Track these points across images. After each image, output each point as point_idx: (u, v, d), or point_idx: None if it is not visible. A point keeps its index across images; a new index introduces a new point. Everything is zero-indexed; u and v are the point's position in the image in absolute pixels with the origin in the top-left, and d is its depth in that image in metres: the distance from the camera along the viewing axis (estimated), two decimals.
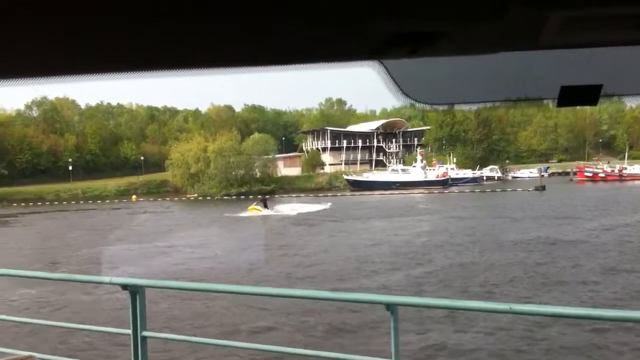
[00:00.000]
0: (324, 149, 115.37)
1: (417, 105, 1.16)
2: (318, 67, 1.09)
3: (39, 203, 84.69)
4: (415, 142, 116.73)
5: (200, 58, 1.07)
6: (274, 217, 53.38)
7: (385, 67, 1.05)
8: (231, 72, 1.11)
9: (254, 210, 55.69)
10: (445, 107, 1.27)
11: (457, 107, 1.27)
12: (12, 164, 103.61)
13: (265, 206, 56.89)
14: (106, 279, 6.62)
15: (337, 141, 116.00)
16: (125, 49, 1.01)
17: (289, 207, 59.55)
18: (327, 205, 61.37)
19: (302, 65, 1.07)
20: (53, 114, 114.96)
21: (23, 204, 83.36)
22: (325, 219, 49.90)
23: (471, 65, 1.10)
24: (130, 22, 0.89)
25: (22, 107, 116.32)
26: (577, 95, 1.04)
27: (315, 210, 58.19)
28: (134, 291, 5.92)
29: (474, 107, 1.27)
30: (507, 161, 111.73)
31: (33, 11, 0.84)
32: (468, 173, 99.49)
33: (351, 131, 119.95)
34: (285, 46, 1.01)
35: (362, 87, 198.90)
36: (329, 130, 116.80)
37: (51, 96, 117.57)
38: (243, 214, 55.39)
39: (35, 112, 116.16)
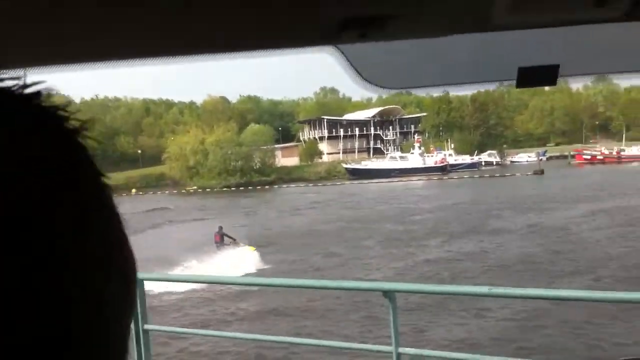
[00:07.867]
0: (322, 138, 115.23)
1: (375, 88, 1.14)
2: (273, 54, 1.06)
3: None
4: (412, 129, 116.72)
5: (166, 45, 1.02)
6: None
7: (341, 51, 1.03)
8: (188, 61, 1.06)
9: None
10: (404, 91, 1.27)
11: (416, 90, 1.28)
12: None
13: None
14: None
15: (334, 130, 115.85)
16: (123, 36, 0.95)
17: None
18: None
19: (257, 52, 1.04)
20: None
21: None
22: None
23: (430, 47, 1.08)
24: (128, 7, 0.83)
25: None
26: (535, 75, 1.05)
27: None
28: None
29: (434, 90, 1.29)
30: (505, 146, 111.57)
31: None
32: (466, 159, 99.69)
33: (348, 120, 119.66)
34: (240, 32, 0.97)
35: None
36: (325, 119, 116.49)
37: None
38: None
39: None
